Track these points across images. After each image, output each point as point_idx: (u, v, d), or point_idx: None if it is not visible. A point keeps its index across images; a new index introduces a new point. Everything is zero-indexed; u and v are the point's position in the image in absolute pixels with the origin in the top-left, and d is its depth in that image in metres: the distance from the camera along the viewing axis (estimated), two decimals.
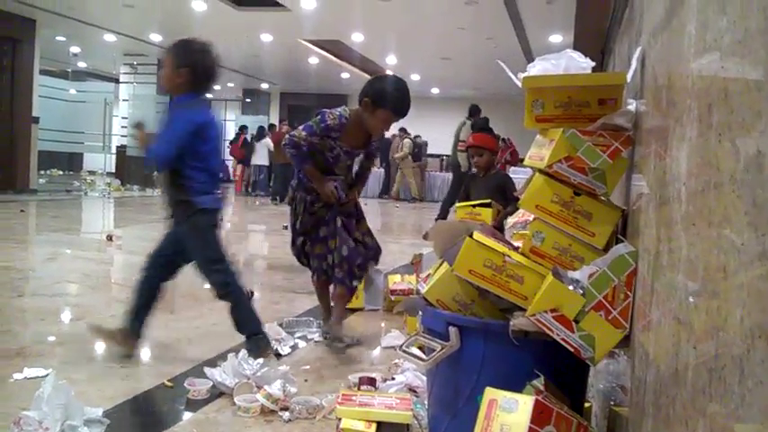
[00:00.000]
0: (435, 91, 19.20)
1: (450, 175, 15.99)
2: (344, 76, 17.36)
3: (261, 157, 15.30)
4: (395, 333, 3.51)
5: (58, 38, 14.14)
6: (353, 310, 4.03)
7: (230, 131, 19.72)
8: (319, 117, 3.09)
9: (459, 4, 9.58)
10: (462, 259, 1.71)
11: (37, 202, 10.84)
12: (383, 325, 3.82)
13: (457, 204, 2.52)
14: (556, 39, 11.09)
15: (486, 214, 3.37)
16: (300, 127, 3.14)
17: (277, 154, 14.23)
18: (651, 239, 1.23)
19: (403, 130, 15.99)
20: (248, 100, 22.13)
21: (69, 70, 17.75)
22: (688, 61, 0.97)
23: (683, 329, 0.87)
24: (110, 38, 13.75)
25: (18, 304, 3.99)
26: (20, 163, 11.86)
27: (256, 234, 9.24)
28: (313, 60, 15.17)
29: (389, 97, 3.03)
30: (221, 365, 2.62)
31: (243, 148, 16.32)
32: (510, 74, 1.79)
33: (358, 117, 3.13)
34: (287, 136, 3.14)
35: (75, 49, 15.90)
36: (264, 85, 20.45)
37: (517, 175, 11.82)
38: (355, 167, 3.45)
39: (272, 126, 16.06)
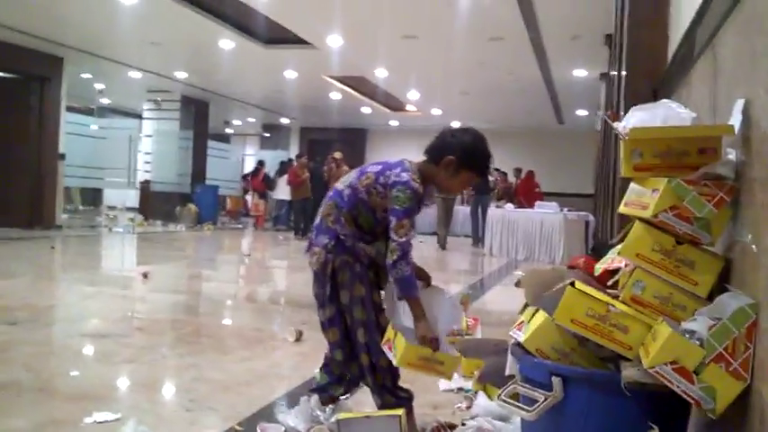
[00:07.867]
0: (456, 124, 19.33)
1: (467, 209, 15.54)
2: (365, 110, 17.52)
3: (283, 191, 15.36)
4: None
5: (84, 75, 14.36)
6: None
7: (249, 166, 19.91)
8: (408, 190, 2.40)
9: (483, 41, 9.69)
10: (564, 308, 1.71)
11: (63, 238, 10.92)
12: None
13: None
14: (580, 73, 11.18)
15: None
16: (396, 217, 2.39)
17: (294, 192, 14.11)
18: None
19: None
20: (267, 135, 22.31)
21: (94, 107, 18.02)
22: None
23: None
24: (135, 75, 13.95)
25: (71, 345, 4.00)
26: (47, 199, 11.97)
27: (284, 270, 9.25)
28: (335, 96, 15.32)
29: (479, 158, 2.55)
30: (293, 410, 2.62)
31: (264, 182, 16.44)
32: (612, 124, 1.81)
33: (424, 173, 2.53)
34: (402, 247, 2.36)
35: (99, 86, 16.15)
36: (284, 120, 20.63)
37: (543, 209, 11.66)
38: None
39: (289, 161, 16.01)
